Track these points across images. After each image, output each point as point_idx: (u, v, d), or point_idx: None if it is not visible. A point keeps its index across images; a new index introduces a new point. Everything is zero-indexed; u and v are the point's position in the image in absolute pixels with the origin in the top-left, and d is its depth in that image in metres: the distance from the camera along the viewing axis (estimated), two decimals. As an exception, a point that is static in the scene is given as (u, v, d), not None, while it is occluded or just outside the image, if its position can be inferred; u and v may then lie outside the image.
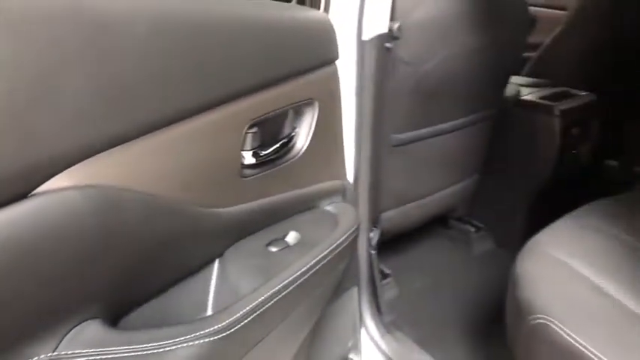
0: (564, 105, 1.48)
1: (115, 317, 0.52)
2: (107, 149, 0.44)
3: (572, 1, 1.70)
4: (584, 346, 0.77)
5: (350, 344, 1.07)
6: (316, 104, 0.76)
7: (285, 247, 0.69)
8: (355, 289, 1.05)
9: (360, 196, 1.11)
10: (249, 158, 0.68)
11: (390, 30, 1.01)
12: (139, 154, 0.47)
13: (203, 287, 0.63)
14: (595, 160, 1.72)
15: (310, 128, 0.76)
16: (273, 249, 0.68)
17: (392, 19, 1.00)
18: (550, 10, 2.10)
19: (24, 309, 0.41)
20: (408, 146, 1.31)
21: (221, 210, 0.60)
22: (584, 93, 1.58)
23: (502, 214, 1.68)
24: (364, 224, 1.16)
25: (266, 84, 0.63)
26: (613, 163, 2.08)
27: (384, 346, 1.20)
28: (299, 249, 0.69)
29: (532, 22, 1.50)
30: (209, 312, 0.62)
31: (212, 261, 0.65)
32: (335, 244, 0.72)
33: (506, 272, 1.53)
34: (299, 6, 0.82)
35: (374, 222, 1.24)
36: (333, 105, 0.81)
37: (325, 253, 0.69)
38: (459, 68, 1.26)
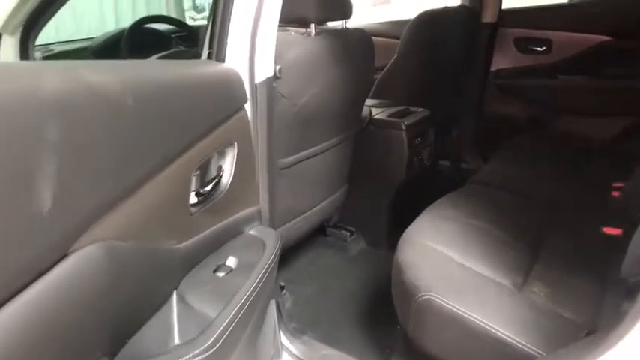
0: (408, 121, 1.79)
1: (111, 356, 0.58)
2: (111, 208, 0.51)
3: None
4: (462, 310, 1.00)
5: (272, 352, 1.19)
6: (235, 145, 0.87)
7: (230, 271, 0.79)
8: (274, 301, 1.17)
9: (262, 218, 1.24)
10: (193, 198, 0.77)
11: (274, 72, 1.16)
12: (127, 210, 0.55)
13: (168, 318, 0.70)
14: (433, 162, 2.09)
15: (232, 166, 0.88)
16: (221, 274, 0.78)
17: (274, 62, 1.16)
18: (388, 40, 2.48)
19: (60, 352, 0.46)
20: (291, 168, 1.47)
21: (179, 246, 0.69)
22: (421, 109, 1.93)
23: (369, 217, 1.95)
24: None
25: (203, 135, 0.74)
26: (445, 162, 2.52)
27: (295, 350, 1.34)
28: (241, 271, 0.80)
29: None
30: (176, 341, 0.70)
31: (171, 293, 0.72)
32: (268, 264, 0.85)
33: (379, 266, 1.82)
34: (209, 61, 0.93)
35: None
36: (247, 142, 0.94)
37: (263, 271, 0.82)
38: (327, 99, 1.47)
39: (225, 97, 0.82)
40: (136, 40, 1.88)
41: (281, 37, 1.35)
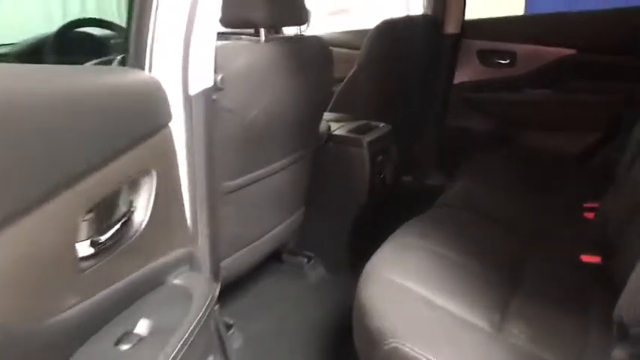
0: (369, 137, 1.65)
1: None
2: None
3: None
4: None
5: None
6: (153, 173, 0.69)
7: (138, 342, 0.61)
8: (211, 358, 0.99)
9: (200, 251, 1.06)
10: (86, 249, 0.58)
11: (215, 82, 0.99)
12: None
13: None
14: (396, 179, 1.96)
15: (149, 200, 0.69)
16: (125, 347, 0.59)
17: (215, 71, 0.99)
18: (348, 50, 2.35)
19: None
20: (239, 192, 1.30)
21: (59, 317, 0.50)
22: (382, 124, 1.79)
23: (329, 242, 1.79)
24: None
25: (100, 164, 0.56)
26: (408, 178, 2.41)
27: None
28: (154, 340, 0.62)
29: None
30: None
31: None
32: (195, 323, 0.67)
33: (340, 296, 1.65)
34: (122, 68, 0.75)
35: (215, 275, 1.19)
36: (170, 169, 0.76)
37: (187, 336, 0.64)
38: (280, 113, 1.31)
39: (140, 113, 0.65)
40: (65, 46, 1.67)
41: (226, 44, 1.19)
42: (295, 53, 1.34)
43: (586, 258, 1.26)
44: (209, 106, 0.97)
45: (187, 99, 0.91)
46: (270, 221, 1.52)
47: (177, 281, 0.77)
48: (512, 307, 1.08)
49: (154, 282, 0.72)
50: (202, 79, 0.94)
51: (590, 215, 1.55)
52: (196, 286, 0.75)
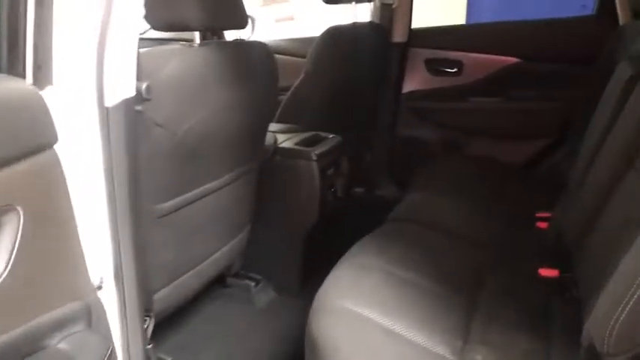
0: (319, 149, 1.56)
1: None
2: None
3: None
4: None
5: None
6: (18, 210, 0.55)
7: None
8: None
9: (126, 288, 0.92)
10: None
11: (139, 91, 0.86)
12: None
13: None
14: (347, 193, 1.87)
15: (14, 244, 0.55)
16: None
17: (139, 79, 0.86)
18: (294, 58, 2.25)
19: None
20: (175, 214, 1.16)
21: None
22: (332, 135, 1.70)
23: (278, 262, 1.67)
24: (135, 321, 0.96)
25: None
26: (359, 189, 2.33)
27: None
28: None
29: None
30: None
31: None
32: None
33: (292, 320, 1.53)
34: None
35: (147, 310, 1.05)
36: (54, 202, 0.62)
37: None
38: (219, 125, 1.18)
39: (4, 132, 0.51)
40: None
41: (153, 48, 1.06)
42: (235, 59, 1.23)
43: (544, 272, 1.22)
44: (132, 119, 0.84)
45: (103, 111, 0.78)
46: (212, 244, 1.38)
47: (61, 345, 0.62)
48: (473, 331, 1.02)
49: (28, 349, 0.58)
50: (122, 88, 0.81)
51: (542, 225, 1.52)
52: (82, 353, 0.61)
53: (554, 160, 2.07)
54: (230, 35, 1.36)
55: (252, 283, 1.65)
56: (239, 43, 1.28)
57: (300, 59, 2.05)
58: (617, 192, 1.02)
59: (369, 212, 1.62)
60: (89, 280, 0.73)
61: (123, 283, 0.90)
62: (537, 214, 1.56)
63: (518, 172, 2.05)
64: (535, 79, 2.05)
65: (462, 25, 2.33)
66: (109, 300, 0.90)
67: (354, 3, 1.98)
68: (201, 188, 1.22)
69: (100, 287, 0.88)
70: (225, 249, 1.44)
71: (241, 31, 1.30)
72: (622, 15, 1.78)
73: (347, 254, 1.22)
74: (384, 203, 1.71)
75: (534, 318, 1.07)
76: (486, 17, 4.04)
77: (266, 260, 1.67)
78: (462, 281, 1.15)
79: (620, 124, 1.06)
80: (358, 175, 2.16)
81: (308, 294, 1.09)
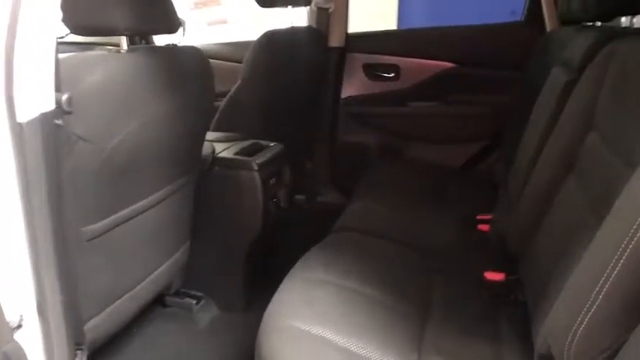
0: (260, 159, 1.50)
1: None
2: None
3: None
4: None
5: None
6: None
7: None
8: None
9: (52, 322, 0.82)
10: None
11: (59, 104, 0.77)
12: None
13: None
14: (290, 202, 1.82)
15: None
16: None
17: (58, 89, 0.77)
18: (229, 63, 2.17)
19: None
20: (106, 236, 1.06)
21: None
22: (273, 143, 1.65)
23: (220, 278, 1.59)
24: (64, 358, 0.86)
25: None
26: (301, 197, 2.28)
27: None
28: None
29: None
30: None
31: None
32: None
33: (237, 337, 1.46)
34: None
35: (78, 343, 0.94)
36: None
37: None
38: (152, 137, 1.09)
39: None
40: None
41: (75, 55, 0.96)
42: (167, 66, 1.14)
43: (490, 275, 1.23)
44: (51, 135, 0.75)
45: (16, 127, 0.68)
46: (149, 264, 1.28)
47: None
48: (426, 340, 1.00)
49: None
50: (38, 100, 0.71)
51: (484, 227, 1.55)
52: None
53: (489, 161, 2.13)
54: (160, 40, 1.28)
55: (194, 302, 1.56)
56: (170, 49, 1.20)
57: (235, 64, 1.97)
58: (558, 196, 1.05)
59: (312, 221, 1.59)
60: (4, 322, 0.63)
61: (48, 317, 0.80)
62: (478, 217, 1.59)
63: (456, 175, 2.09)
64: (469, 83, 2.10)
65: (398, 30, 2.36)
66: (32, 339, 0.80)
67: (290, 7, 1.94)
68: (135, 206, 1.13)
69: (19, 326, 0.78)
70: (163, 268, 1.34)
71: (171, 35, 1.22)
72: (549, 21, 1.87)
73: (294, 269, 1.17)
74: (328, 211, 1.68)
75: (484, 322, 1.07)
76: (417, 23, 4.16)
77: (208, 277, 1.58)
78: (412, 290, 1.13)
79: (557, 130, 1.09)
80: (299, 182, 2.12)
81: (253, 310, 1.05)
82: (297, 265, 1.19)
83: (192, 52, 1.26)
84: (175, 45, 1.19)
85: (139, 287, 1.24)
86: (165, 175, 1.23)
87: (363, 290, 1.08)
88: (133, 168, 1.06)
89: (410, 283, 1.16)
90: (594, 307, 0.58)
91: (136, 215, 1.14)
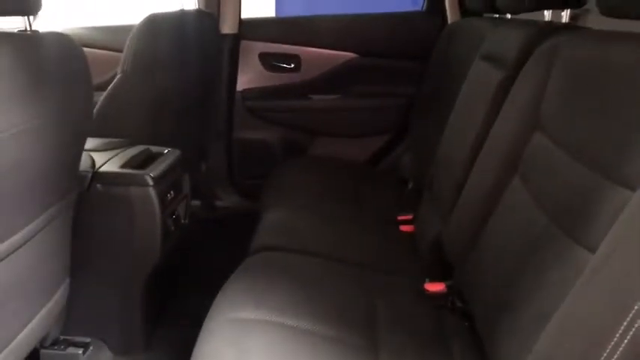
0: (154, 170, 1.24)
1: None
2: None
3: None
4: None
5: None
6: None
7: None
8: None
9: None
10: None
11: None
12: None
13: None
14: (189, 213, 1.58)
15: None
16: None
17: None
18: (99, 51, 1.81)
19: None
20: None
21: None
22: (167, 150, 1.39)
23: (113, 317, 1.31)
24: None
25: None
26: (196, 202, 2.03)
27: None
28: None
29: None
30: None
31: None
32: None
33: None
34: None
35: None
36: None
37: None
38: (11, 159, 0.80)
39: None
40: None
41: None
42: (25, 58, 0.85)
43: (430, 287, 1.14)
44: None
45: None
46: (17, 319, 0.97)
47: None
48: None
49: None
50: None
51: (406, 228, 1.48)
52: None
53: (395, 155, 2.08)
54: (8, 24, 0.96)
55: (80, 350, 1.26)
56: (29, 36, 0.90)
57: (112, 53, 1.65)
58: (502, 199, 0.98)
59: (215, 232, 1.38)
60: None
61: None
62: (399, 218, 1.52)
63: (364, 171, 2.01)
64: (373, 75, 2.02)
65: (296, 17, 2.18)
66: None
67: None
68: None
69: None
70: (36, 319, 1.04)
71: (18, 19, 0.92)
72: (451, 12, 1.84)
73: (214, 307, 0.96)
74: (230, 218, 1.48)
75: (436, 343, 0.98)
76: (296, 10, 3.98)
77: (96, 317, 1.29)
78: (355, 317, 1.00)
79: (497, 131, 1.02)
80: (194, 187, 1.87)
81: (155, 351, 0.89)
82: (218, 300, 0.99)
83: (58, 40, 0.97)
84: (36, 32, 0.89)
85: (8, 349, 0.94)
86: (34, 205, 0.93)
87: (304, 326, 0.92)
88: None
89: (351, 308, 1.02)
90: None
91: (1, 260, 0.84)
